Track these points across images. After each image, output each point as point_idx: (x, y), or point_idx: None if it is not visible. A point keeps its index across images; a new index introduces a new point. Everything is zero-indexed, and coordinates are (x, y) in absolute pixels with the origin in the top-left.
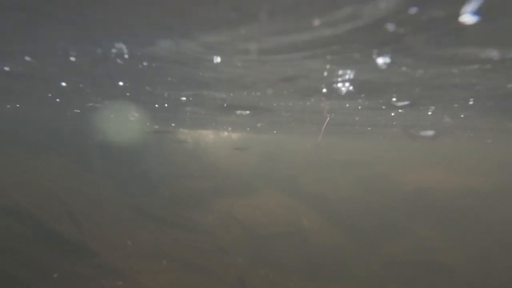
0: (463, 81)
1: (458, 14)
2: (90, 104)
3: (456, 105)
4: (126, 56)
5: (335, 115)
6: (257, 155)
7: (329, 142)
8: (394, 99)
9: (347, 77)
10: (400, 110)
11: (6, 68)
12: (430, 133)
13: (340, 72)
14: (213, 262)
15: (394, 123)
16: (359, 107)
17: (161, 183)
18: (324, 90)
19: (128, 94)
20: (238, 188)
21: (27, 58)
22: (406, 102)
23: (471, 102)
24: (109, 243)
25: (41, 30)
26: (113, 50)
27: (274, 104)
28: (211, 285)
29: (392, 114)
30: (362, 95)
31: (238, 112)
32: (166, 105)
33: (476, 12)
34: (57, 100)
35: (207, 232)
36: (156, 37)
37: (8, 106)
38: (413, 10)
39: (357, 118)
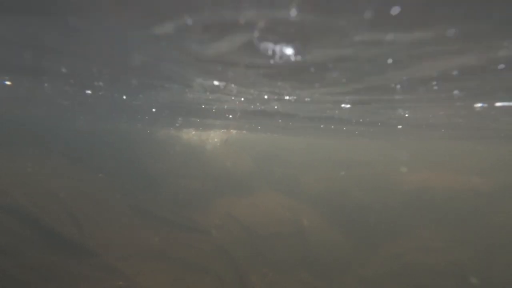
0: None
1: None
2: None
3: None
4: None
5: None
6: None
7: (328, 142)
8: None
9: None
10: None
11: None
12: None
13: None
14: (213, 262)
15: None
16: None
17: (161, 183)
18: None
19: None
20: (238, 188)
21: None
22: None
23: None
24: (109, 243)
25: None
26: None
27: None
28: (211, 285)
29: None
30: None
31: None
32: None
33: None
34: None
35: (207, 232)
36: None
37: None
38: None
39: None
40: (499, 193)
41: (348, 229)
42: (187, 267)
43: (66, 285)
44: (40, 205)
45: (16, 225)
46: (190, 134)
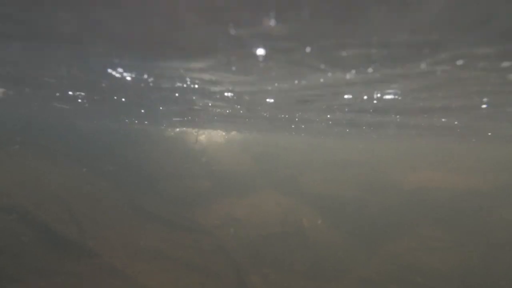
0: None
1: None
2: None
3: None
4: None
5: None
6: None
7: (328, 142)
8: None
9: None
10: None
11: None
12: None
13: None
14: (213, 262)
15: None
16: None
17: (161, 183)
18: None
19: None
20: (238, 188)
21: None
22: None
23: None
24: (109, 243)
25: None
26: None
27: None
28: (211, 285)
29: None
30: None
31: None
32: None
33: None
34: None
35: (207, 232)
36: None
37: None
38: None
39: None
40: (499, 193)
41: (348, 229)
42: (187, 267)
43: (66, 285)
44: (40, 205)
45: (16, 225)
46: (188, 134)
